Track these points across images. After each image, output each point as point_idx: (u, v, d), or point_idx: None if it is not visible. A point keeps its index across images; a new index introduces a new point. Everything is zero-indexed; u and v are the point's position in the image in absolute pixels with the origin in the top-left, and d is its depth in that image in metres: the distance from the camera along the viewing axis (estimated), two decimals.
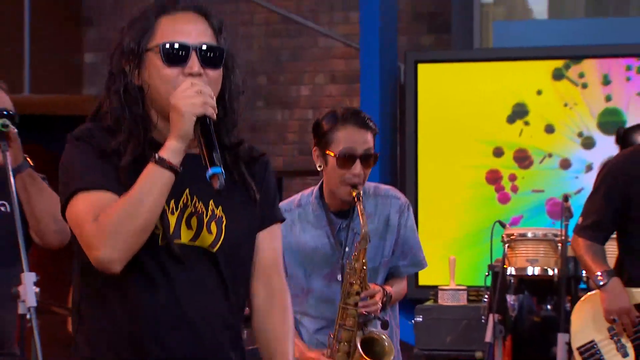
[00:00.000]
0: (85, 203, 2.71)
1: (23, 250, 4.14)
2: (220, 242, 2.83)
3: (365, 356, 4.39)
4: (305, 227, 4.64)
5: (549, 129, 7.86)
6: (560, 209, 5.57)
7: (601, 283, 4.83)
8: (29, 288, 4.08)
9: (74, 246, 2.85)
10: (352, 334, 4.44)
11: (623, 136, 6.22)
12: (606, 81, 7.73)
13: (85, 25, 9.59)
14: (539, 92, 7.80)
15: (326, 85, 9.22)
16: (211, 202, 2.83)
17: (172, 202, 2.78)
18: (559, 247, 5.69)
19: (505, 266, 5.74)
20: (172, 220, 2.78)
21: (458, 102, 7.82)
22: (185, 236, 2.79)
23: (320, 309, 4.63)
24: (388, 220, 4.55)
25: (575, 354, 5.02)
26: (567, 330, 5.26)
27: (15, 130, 4.35)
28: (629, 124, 6.81)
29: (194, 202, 2.83)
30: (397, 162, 8.20)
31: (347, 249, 4.57)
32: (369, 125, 4.50)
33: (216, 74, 2.80)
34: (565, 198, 5.72)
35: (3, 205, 4.45)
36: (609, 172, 5.01)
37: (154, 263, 2.76)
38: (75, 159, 2.78)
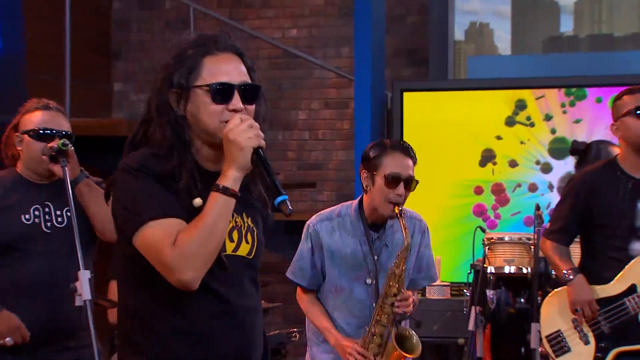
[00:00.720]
0: (160, 230, 2.69)
1: (79, 250, 4.25)
2: (254, 250, 2.92)
3: (398, 348, 4.46)
4: (342, 234, 4.71)
5: (513, 164, 8.06)
6: (533, 217, 5.38)
7: (570, 278, 4.81)
8: (84, 283, 4.18)
9: (126, 262, 2.86)
10: (385, 329, 4.51)
11: (582, 149, 6.16)
12: (548, 117, 7.92)
13: (114, 59, 9.76)
14: (499, 138, 7.99)
15: (321, 110, 9.38)
16: (244, 214, 2.89)
17: None
18: (532, 249, 5.62)
19: (485, 265, 5.70)
20: None
21: (439, 131, 7.87)
22: (229, 248, 2.84)
23: (349, 306, 4.72)
24: (412, 239, 4.56)
25: (544, 341, 4.98)
26: (539, 320, 5.16)
27: (72, 148, 4.40)
28: None
29: (234, 217, 2.84)
30: None
31: (376, 257, 4.66)
32: (411, 154, 4.59)
33: (252, 109, 2.86)
34: (537, 207, 5.58)
35: (69, 210, 4.40)
36: (574, 186, 4.98)
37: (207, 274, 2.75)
38: (139, 190, 2.76)
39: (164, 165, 2.79)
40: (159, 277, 2.75)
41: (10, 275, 4.50)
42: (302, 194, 9.08)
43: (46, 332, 4.50)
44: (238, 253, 2.88)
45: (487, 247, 5.94)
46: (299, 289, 4.90)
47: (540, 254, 5.43)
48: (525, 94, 7.92)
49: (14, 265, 4.49)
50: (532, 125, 8.01)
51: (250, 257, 2.92)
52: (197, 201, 2.79)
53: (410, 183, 4.47)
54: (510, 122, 8.01)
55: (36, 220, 4.54)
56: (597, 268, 4.88)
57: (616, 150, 6.07)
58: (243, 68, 2.90)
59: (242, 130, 2.72)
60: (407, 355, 4.54)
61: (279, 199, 2.72)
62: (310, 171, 9.38)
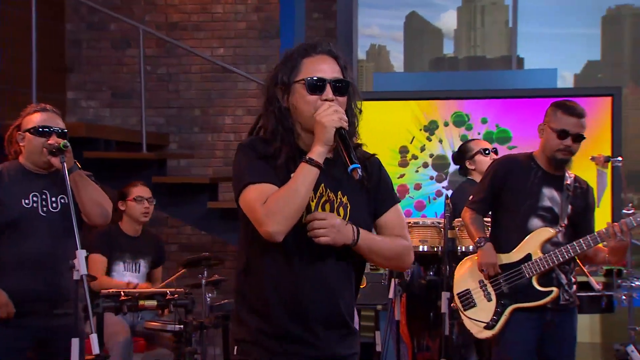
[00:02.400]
0: (256, 192, 2.78)
1: (77, 233, 4.22)
2: (347, 221, 2.87)
3: None
4: None
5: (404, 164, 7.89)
6: (444, 206, 5.53)
7: (481, 244, 4.85)
8: (81, 260, 4.15)
9: (242, 224, 2.94)
10: None
11: (457, 152, 6.39)
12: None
13: (68, 72, 9.58)
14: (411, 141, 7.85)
15: (244, 116, 9.27)
16: (339, 192, 2.91)
17: (312, 192, 2.84)
18: (442, 231, 5.66)
19: None
20: (312, 205, 2.87)
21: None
22: None
23: None
24: None
25: (455, 297, 5.04)
26: (448, 289, 5.25)
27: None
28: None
29: (327, 192, 2.90)
30: None
31: None
32: None
33: (343, 100, 2.88)
34: (447, 197, 5.80)
35: (63, 198, 4.52)
36: (495, 166, 4.98)
37: (297, 237, 2.81)
38: (244, 161, 2.88)
39: (269, 147, 2.88)
40: (259, 237, 2.81)
41: (14, 251, 4.47)
42: (228, 185, 8.87)
43: (40, 301, 4.49)
44: None
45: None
46: None
47: (450, 234, 5.56)
48: (427, 107, 7.83)
49: (16, 243, 4.47)
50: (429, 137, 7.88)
51: None
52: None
53: None
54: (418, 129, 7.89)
55: (34, 205, 4.53)
56: (502, 239, 4.89)
57: (482, 143, 6.22)
58: (337, 67, 2.92)
59: (328, 113, 2.78)
60: None
61: (351, 167, 2.75)
62: None
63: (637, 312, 6.12)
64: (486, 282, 4.91)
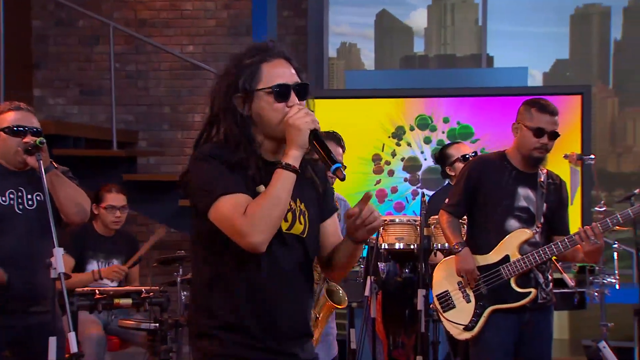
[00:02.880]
0: (231, 203, 2.68)
1: (54, 230, 4.16)
2: (307, 230, 2.86)
3: (329, 300, 4.51)
4: None
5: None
6: (420, 204, 5.48)
7: (458, 250, 4.84)
8: (58, 259, 4.10)
9: (203, 237, 2.82)
10: (318, 286, 4.45)
11: (439, 155, 6.37)
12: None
13: (35, 68, 9.49)
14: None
15: None
16: (297, 200, 2.84)
17: None
18: (418, 229, 5.63)
19: (379, 242, 5.61)
20: None
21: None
22: (284, 226, 2.78)
23: None
24: None
25: (434, 299, 5.01)
26: (424, 286, 5.26)
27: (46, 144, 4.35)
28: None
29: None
30: None
31: None
32: (342, 144, 4.79)
33: (304, 103, 2.82)
34: (423, 194, 5.76)
35: (39, 195, 4.44)
36: (468, 169, 4.96)
37: (270, 247, 2.72)
38: (211, 172, 2.74)
39: (232, 157, 2.76)
40: (229, 249, 2.73)
41: None
42: None
43: (17, 299, 4.43)
44: (292, 231, 2.84)
45: (381, 227, 5.83)
46: None
47: (425, 232, 5.53)
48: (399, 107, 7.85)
49: None
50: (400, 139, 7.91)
51: (304, 235, 2.87)
52: (261, 187, 2.77)
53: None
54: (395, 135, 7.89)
55: (11, 202, 4.47)
56: (480, 240, 4.88)
57: (462, 149, 6.25)
58: (293, 70, 2.86)
59: (300, 116, 2.72)
60: (337, 305, 4.57)
61: (334, 166, 2.68)
62: None
63: (608, 309, 6.20)
64: (465, 284, 4.91)
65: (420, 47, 9.67)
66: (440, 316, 4.98)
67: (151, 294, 5.51)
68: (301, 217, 2.87)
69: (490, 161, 4.94)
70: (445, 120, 7.67)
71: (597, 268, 6.03)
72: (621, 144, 9.54)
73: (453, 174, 6.16)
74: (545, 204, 4.83)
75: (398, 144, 7.75)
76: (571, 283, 6.03)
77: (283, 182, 2.71)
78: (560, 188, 4.95)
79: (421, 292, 5.31)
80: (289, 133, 2.74)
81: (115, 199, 6.31)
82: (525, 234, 4.78)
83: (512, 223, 4.79)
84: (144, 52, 9.36)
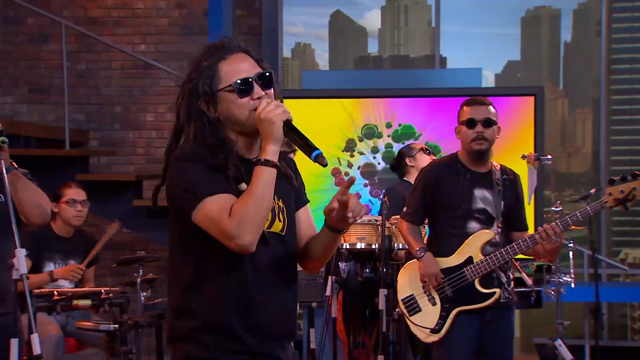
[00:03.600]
0: (216, 205, 2.63)
1: (15, 231, 4.07)
2: (286, 227, 2.84)
3: None
4: None
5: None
6: (381, 204, 5.49)
7: (420, 255, 4.88)
8: (21, 260, 4.05)
9: (184, 239, 2.77)
10: None
11: (398, 155, 6.47)
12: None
13: None
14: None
15: (166, 114, 9.16)
16: (275, 197, 2.76)
17: None
18: (379, 229, 5.63)
19: (341, 242, 5.46)
20: None
21: None
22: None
23: None
24: None
25: (400, 304, 5.00)
26: (385, 286, 5.32)
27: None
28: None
29: None
30: None
31: None
32: None
33: (271, 92, 2.76)
34: (384, 194, 5.86)
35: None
36: (423, 176, 5.02)
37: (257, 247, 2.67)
38: (194, 173, 2.69)
39: (211, 159, 2.71)
40: (213, 250, 2.68)
41: None
42: (149, 183, 8.81)
43: None
44: (272, 230, 2.80)
45: None
46: None
47: (387, 232, 5.57)
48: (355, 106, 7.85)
49: None
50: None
51: (283, 233, 2.84)
52: (243, 186, 2.73)
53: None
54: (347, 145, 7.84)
55: None
56: (442, 243, 4.92)
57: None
58: (252, 61, 2.80)
59: (270, 109, 2.65)
60: None
61: (315, 153, 2.63)
62: (157, 165, 9.18)
63: (554, 307, 6.28)
64: (429, 287, 4.93)
65: (374, 48, 9.71)
66: (407, 320, 4.99)
67: (110, 295, 5.49)
68: (280, 214, 2.84)
69: (444, 165, 5.00)
70: (388, 125, 7.71)
71: (553, 267, 6.11)
72: (571, 144, 9.70)
73: (413, 164, 6.24)
74: (502, 202, 4.89)
75: (352, 155, 7.77)
76: (529, 282, 6.11)
77: (264, 179, 2.65)
78: (516, 182, 5.02)
79: (382, 292, 5.36)
80: (262, 128, 2.67)
81: (76, 193, 6.29)
82: (487, 234, 4.83)
83: (473, 225, 4.85)
84: (94, 51, 9.27)
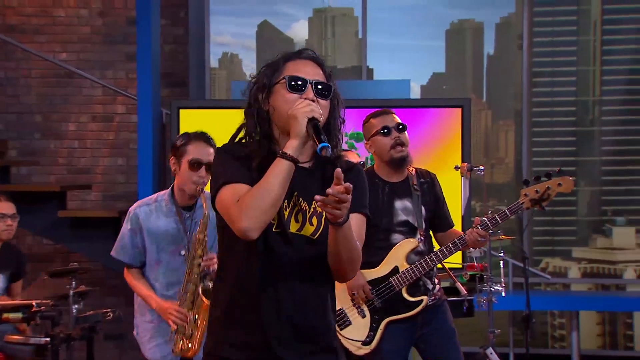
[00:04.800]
0: (229, 191, 2.75)
1: None
2: (320, 232, 2.87)
3: (205, 300, 4.44)
4: (160, 216, 4.70)
5: None
6: None
7: None
8: None
9: (220, 226, 2.91)
10: (195, 286, 4.49)
11: None
12: None
13: None
14: None
15: (88, 123, 9.08)
16: (314, 202, 2.82)
17: (286, 201, 2.81)
18: None
19: None
20: (285, 214, 2.82)
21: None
22: (293, 227, 2.84)
23: (167, 275, 4.71)
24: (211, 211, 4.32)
25: None
26: None
27: None
28: None
29: (300, 202, 2.85)
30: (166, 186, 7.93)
31: (189, 232, 4.64)
32: (211, 143, 4.62)
33: (325, 103, 2.84)
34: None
35: None
36: None
37: (265, 245, 2.79)
38: (220, 164, 2.84)
39: (245, 149, 2.85)
40: (233, 241, 2.80)
41: None
42: (72, 193, 8.73)
43: None
44: (302, 233, 2.87)
45: None
46: (125, 267, 4.88)
47: None
48: None
49: None
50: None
51: (315, 237, 2.88)
52: None
53: (210, 167, 4.34)
54: None
55: None
56: (366, 256, 4.87)
57: (350, 156, 6.42)
58: (320, 72, 2.91)
59: (300, 106, 2.75)
60: None
61: (320, 146, 2.68)
62: (78, 175, 9.10)
63: (481, 315, 6.40)
64: (357, 300, 4.96)
65: None
66: (338, 334, 4.97)
67: (42, 307, 5.42)
68: (313, 218, 2.89)
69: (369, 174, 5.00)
70: None
71: (485, 276, 6.23)
72: (494, 155, 9.91)
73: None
74: (423, 207, 4.98)
75: None
76: (464, 291, 6.20)
77: (277, 171, 2.71)
78: (433, 183, 5.10)
79: None
80: (288, 123, 2.77)
81: (5, 207, 6.18)
82: (410, 243, 4.92)
83: (396, 237, 4.93)
84: (13, 59, 9.11)
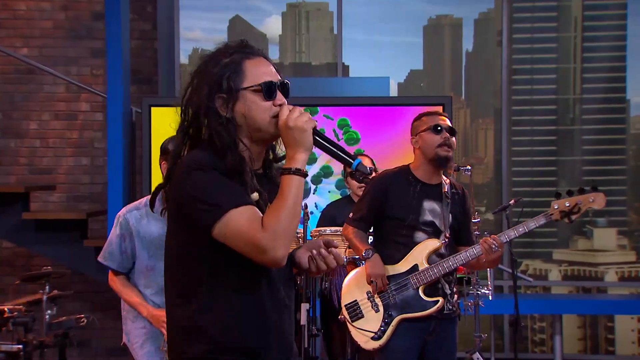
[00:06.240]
0: (245, 218, 2.58)
1: None
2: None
3: None
4: (150, 220, 4.68)
5: None
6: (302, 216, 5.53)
7: (368, 255, 4.98)
8: None
9: (191, 256, 2.71)
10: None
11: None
12: None
13: None
14: None
15: (51, 121, 9.00)
16: None
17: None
18: (300, 241, 5.72)
19: None
20: None
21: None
22: None
23: (159, 282, 4.61)
24: None
25: (343, 309, 5.10)
26: (307, 300, 5.42)
27: None
28: None
29: (263, 207, 2.73)
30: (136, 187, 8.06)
31: None
32: None
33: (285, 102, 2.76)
34: (305, 205, 5.95)
35: None
36: (373, 185, 5.14)
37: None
38: (214, 184, 2.63)
39: (224, 164, 2.67)
40: (230, 267, 2.67)
41: None
42: (34, 195, 8.67)
43: None
44: None
45: None
46: (110, 273, 4.83)
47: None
48: None
49: None
50: None
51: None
52: (255, 195, 2.71)
53: None
54: None
55: None
56: (388, 251, 5.05)
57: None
58: (274, 69, 2.82)
59: (298, 116, 2.66)
60: None
61: (356, 162, 2.66)
62: (41, 175, 9.03)
63: (469, 319, 6.48)
64: (374, 292, 5.05)
65: (275, 55, 9.75)
66: (349, 325, 5.09)
67: (15, 313, 5.40)
68: None
69: (395, 176, 5.13)
70: None
71: (472, 279, 6.31)
72: (473, 155, 9.98)
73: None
74: (450, 215, 5.07)
75: None
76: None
77: (296, 190, 2.64)
78: (464, 198, 5.21)
79: (304, 307, 5.48)
80: (290, 136, 2.66)
81: None
82: (434, 243, 5.01)
83: (420, 235, 5.02)
84: None
